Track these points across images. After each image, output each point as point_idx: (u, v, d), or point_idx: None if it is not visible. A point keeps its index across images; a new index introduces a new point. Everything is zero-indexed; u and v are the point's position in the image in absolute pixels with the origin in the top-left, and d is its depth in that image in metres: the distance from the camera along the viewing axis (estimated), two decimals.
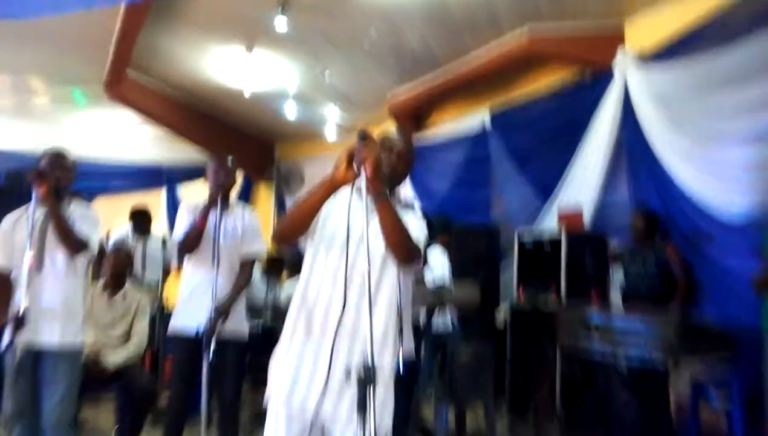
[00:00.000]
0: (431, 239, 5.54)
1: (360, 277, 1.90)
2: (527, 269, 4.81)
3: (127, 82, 7.37)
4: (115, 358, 3.73)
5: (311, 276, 1.99)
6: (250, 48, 6.38)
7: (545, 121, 5.81)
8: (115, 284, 3.93)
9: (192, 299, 3.11)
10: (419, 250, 1.97)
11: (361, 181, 1.81)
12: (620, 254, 4.54)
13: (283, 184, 9.92)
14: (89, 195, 9.31)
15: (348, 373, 1.60)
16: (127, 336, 3.87)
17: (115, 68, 6.74)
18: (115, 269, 3.89)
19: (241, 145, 9.47)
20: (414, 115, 7.56)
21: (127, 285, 3.97)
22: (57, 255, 2.82)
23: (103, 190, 9.56)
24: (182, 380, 3.07)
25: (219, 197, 3.09)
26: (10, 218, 2.90)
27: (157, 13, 5.79)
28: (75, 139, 9.54)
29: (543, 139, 5.83)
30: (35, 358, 2.76)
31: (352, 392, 1.77)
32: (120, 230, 5.26)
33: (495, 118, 6.44)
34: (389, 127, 7.44)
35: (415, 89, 7.00)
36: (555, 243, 4.43)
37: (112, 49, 6.26)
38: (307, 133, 9.18)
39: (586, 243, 4.42)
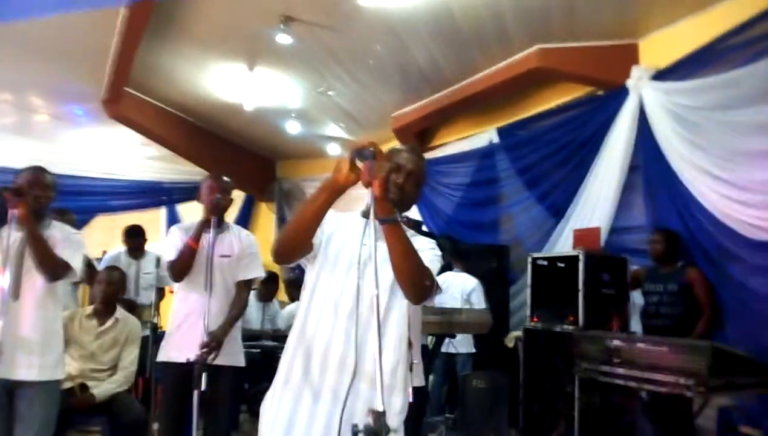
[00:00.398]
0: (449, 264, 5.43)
1: (366, 308, 1.69)
2: (541, 290, 4.57)
3: (125, 100, 7.23)
4: (101, 389, 3.49)
5: (311, 305, 1.78)
6: (251, 66, 6.24)
7: (556, 139, 5.63)
8: (105, 310, 3.71)
9: (183, 326, 2.90)
10: (434, 284, 1.76)
11: (369, 203, 1.62)
12: (640, 275, 4.31)
13: (285, 203, 9.73)
14: (89, 214, 9.30)
15: (355, 432, 1.31)
16: (115, 366, 3.64)
17: (113, 86, 6.60)
18: (105, 293, 3.67)
19: (242, 163, 9.32)
20: (419, 134, 7.40)
21: (118, 312, 3.74)
22: (35, 281, 2.60)
23: (103, 209, 9.43)
24: (171, 414, 2.85)
25: (213, 217, 2.89)
26: None
27: (156, 30, 5.65)
28: (75, 157, 9.45)
29: (554, 157, 5.64)
30: (10, 392, 2.54)
31: None
32: (114, 251, 5.05)
33: (503, 136, 6.26)
34: (396, 145, 7.25)
35: (422, 108, 6.85)
36: (571, 263, 4.19)
37: (109, 66, 6.12)
38: (310, 152, 9.03)
39: (605, 263, 4.18)
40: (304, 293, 1.81)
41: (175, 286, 3.01)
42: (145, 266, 4.95)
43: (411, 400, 2.69)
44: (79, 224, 9.39)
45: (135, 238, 4.92)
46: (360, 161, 1.64)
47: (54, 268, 2.56)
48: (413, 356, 2.71)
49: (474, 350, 5.11)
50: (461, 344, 4.96)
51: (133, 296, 4.55)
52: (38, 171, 2.71)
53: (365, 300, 1.70)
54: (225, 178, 3.15)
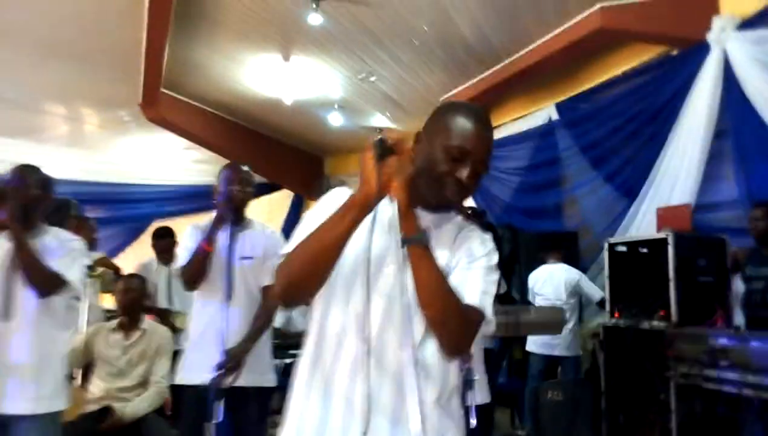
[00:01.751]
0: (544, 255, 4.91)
1: (396, 328, 1.25)
2: (621, 280, 3.96)
3: (163, 101, 7.00)
4: (132, 408, 3.15)
5: (325, 329, 1.33)
6: (287, 55, 5.88)
7: (624, 110, 5.02)
8: (130, 322, 3.37)
9: (201, 342, 2.49)
10: (478, 326, 1.28)
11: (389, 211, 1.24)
12: (740, 258, 3.66)
13: None
14: (145, 221, 9.22)
15: None
16: (145, 382, 3.30)
17: (148, 87, 6.36)
18: (123, 303, 3.34)
19: (288, 161, 9.02)
20: None
21: (145, 322, 3.40)
22: (28, 298, 2.25)
23: (158, 215, 9.31)
24: None
25: (229, 214, 2.48)
26: None
27: (184, 24, 5.38)
28: (123, 166, 9.40)
29: (623, 130, 5.04)
30: (3, 426, 2.19)
31: None
32: (145, 260, 4.74)
33: (563, 112, 5.67)
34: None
35: (472, 88, 6.31)
36: (657, 248, 3.58)
37: (142, 66, 5.87)
38: (357, 146, 8.60)
39: (699, 246, 3.54)
40: (313, 321, 1.36)
41: (194, 295, 2.61)
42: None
43: (474, 422, 2.23)
44: (136, 231, 9.46)
45: (162, 239, 4.56)
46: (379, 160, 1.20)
47: (44, 282, 2.21)
48: (473, 372, 2.25)
49: (580, 352, 4.60)
50: (563, 346, 4.49)
51: (166, 303, 4.22)
52: (22, 170, 2.35)
53: (395, 320, 1.26)
54: (244, 168, 2.74)
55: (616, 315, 3.81)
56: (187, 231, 2.63)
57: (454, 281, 1.28)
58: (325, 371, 1.29)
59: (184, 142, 8.31)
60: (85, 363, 3.39)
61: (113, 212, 10.10)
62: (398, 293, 1.23)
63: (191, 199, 9.29)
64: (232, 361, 2.30)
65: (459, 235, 1.37)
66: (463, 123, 1.32)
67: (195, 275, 2.48)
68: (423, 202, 1.34)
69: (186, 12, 5.22)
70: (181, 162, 9.51)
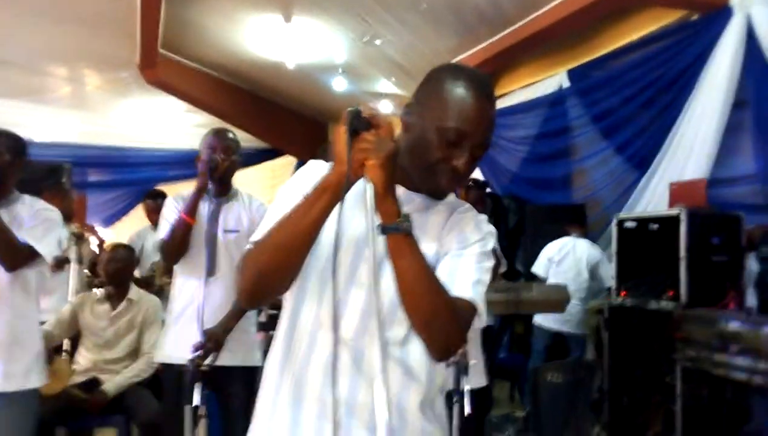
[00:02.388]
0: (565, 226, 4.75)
1: (375, 324, 1.08)
2: (629, 257, 3.78)
3: (162, 64, 6.80)
4: (117, 381, 3.06)
5: (296, 324, 1.18)
6: (288, 16, 5.65)
7: (638, 78, 4.78)
8: (117, 292, 3.26)
9: (182, 320, 2.36)
10: (469, 321, 1.14)
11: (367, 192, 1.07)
12: (755, 236, 3.48)
13: None
14: (148, 184, 9.06)
15: None
16: (134, 353, 3.20)
17: (146, 48, 6.16)
18: (109, 273, 3.22)
19: (290, 126, 8.82)
20: None
21: (132, 292, 3.29)
22: None
23: (161, 179, 9.17)
24: (173, 422, 2.31)
25: (212, 182, 2.32)
26: None
27: None
28: (125, 129, 9.25)
29: (636, 100, 4.81)
30: None
31: None
32: (139, 228, 4.59)
33: (575, 79, 5.44)
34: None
35: (481, 53, 6.07)
36: (668, 225, 3.40)
37: (138, 26, 5.67)
38: None
39: (714, 224, 3.35)
40: (285, 311, 1.21)
41: (175, 269, 2.47)
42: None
43: (468, 410, 2.12)
44: (136, 196, 9.32)
45: (154, 200, 4.38)
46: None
47: (11, 255, 2.07)
48: (469, 355, 2.12)
49: (587, 331, 4.47)
50: (573, 323, 4.36)
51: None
52: None
53: (372, 314, 1.10)
54: (230, 135, 2.56)
55: (623, 294, 3.65)
56: (168, 201, 2.48)
57: (444, 269, 1.14)
58: (295, 371, 1.15)
59: (184, 105, 8.13)
60: (72, 334, 3.29)
61: (113, 176, 9.97)
62: (378, 285, 1.08)
63: (193, 164, 9.15)
64: (211, 341, 2.17)
65: (451, 217, 1.21)
66: (462, 99, 1.13)
67: (175, 248, 2.34)
68: (408, 182, 1.19)
69: None
70: (182, 126, 9.32)
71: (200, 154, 2.46)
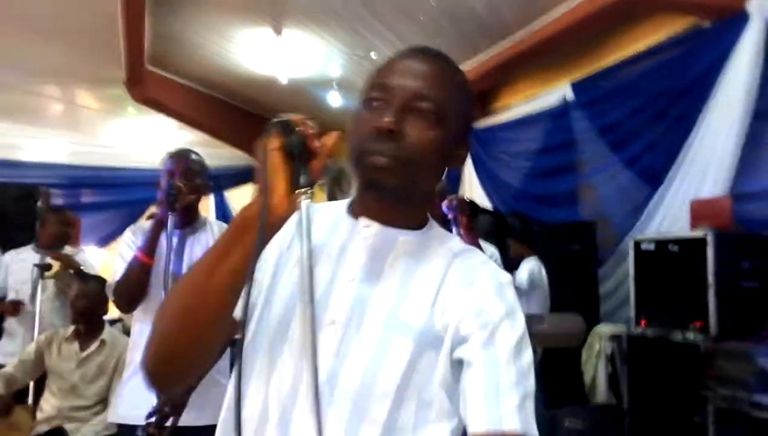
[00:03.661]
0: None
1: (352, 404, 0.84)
2: (649, 282, 3.49)
3: (150, 80, 6.57)
4: (84, 432, 2.76)
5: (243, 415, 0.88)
6: (278, 29, 5.42)
7: (647, 88, 4.56)
8: (86, 331, 2.97)
9: (140, 374, 2.06)
10: None
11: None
12: None
13: (336, 187, 8.95)
14: (142, 205, 8.86)
15: None
16: (103, 401, 2.91)
17: (131, 65, 5.94)
18: (77, 310, 2.94)
19: None
20: (478, 97, 6.39)
21: (106, 332, 3.00)
22: None
23: (152, 201, 8.93)
24: None
25: (173, 212, 2.04)
26: None
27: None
28: (115, 148, 9.00)
29: (646, 111, 4.58)
30: None
31: None
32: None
33: (580, 91, 5.19)
34: None
35: (480, 66, 5.85)
36: (691, 246, 3.11)
37: (122, 41, 5.44)
38: None
39: (743, 246, 3.07)
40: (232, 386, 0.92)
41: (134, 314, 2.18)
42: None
43: None
44: (129, 217, 9.08)
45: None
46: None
47: None
48: None
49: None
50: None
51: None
52: None
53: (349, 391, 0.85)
54: (192, 156, 2.27)
55: (643, 324, 3.35)
56: (125, 235, 2.18)
57: (472, 383, 0.84)
58: None
59: (176, 123, 7.90)
60: (37, 376, 3.01)
61: (106, 197, 9.76)
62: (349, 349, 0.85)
63: None
64: (168, 405, 1.86)
65: (451, 266, 0.93)
66: (389, 60, 0.95)
67: (131, 292, 2.04)
68: (380, 212, 0.93)
69: None
70: (175, 144, 9.08)
71: (158, 182, 2.18)
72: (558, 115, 5.41)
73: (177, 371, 0.87)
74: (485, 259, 0.97)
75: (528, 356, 0.88)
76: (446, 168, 0.97)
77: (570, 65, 5.41)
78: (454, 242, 0.99)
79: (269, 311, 0.89)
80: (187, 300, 0.81)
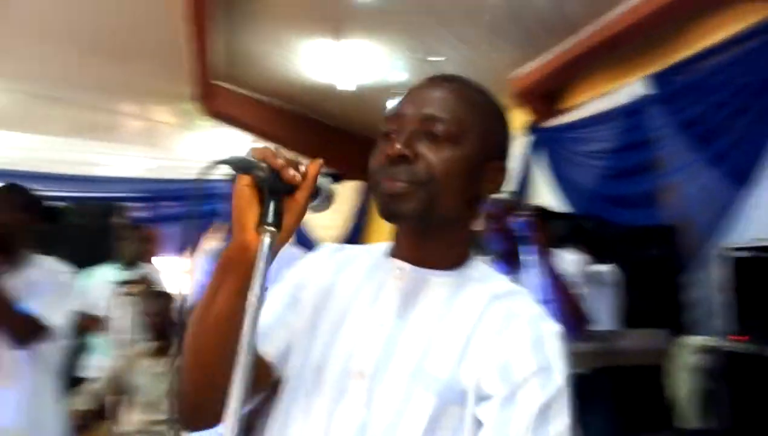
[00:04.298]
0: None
1: None
2: (746, 292, 3.21)
3: (219, 95, 6.75)
4: None
5: None
6: (337, 36, 5.43)
7: (732, 79, 4.24)
8: (165, 346, 3.03)
9: None
10: None
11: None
12: None
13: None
14: (219, 217, 9.15)
15: None
16: None
17: (199, 80, 6.10)
18: (153, 327, 3.00)
19: (350, 150, 8.58)
20: (545, 97, 6.18)
21: None
22: (5, 348, 1.87)
23: (224, 212, 9.19)
24: None
25: None
26: None
27: (229, 13, 5.02)
28: (191, 162, 9.31)
29: (730, 104, 4.26)
30: None
31: None
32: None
33: (657, 84, 4.91)
34: (515, 117, 6.16)
35: (547, 64, 5.67)
36: None
37: (189, 58, 5.59)
38: None
39: None
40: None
41: None
42: None
43: None
44: (201, 229, 9.39)
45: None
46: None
47: (16, 329, 1.83)
48: None
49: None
50: None
51: None
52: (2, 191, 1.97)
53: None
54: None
55: (743, 338, 3.05)
56: (199, 259, 2.18)
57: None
58: None
59: (245, 134, 8.09)
60: (120, 392, 3.08)
61: (182, 209, 10.13)
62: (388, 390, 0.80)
63: None
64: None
65: (488, 310, 0.83)
66: (404, 95, 0.92)
67: None
68: (409, 249, 0.88)
69: (232, 1, 4.89)
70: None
71: None
72: (633, 111, 5.14)
73: (202, 413, 0.83)
74: (530, 303, 0.86)
75: (560, 426, 0.76)
76: (478, 195, 0.89)
77: (643, 59, 5.13)
78: (498, 282, 0.89)
79: (304, 356, 0.85)
80: (192, 342, 0.81)
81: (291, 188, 0.79)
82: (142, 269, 3.87)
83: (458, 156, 0.83)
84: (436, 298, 0.84)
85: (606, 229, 4.93)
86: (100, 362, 3.35)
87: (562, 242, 2.91)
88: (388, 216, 0.85)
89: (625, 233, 4.72)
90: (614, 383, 2.51)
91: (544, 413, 0.74)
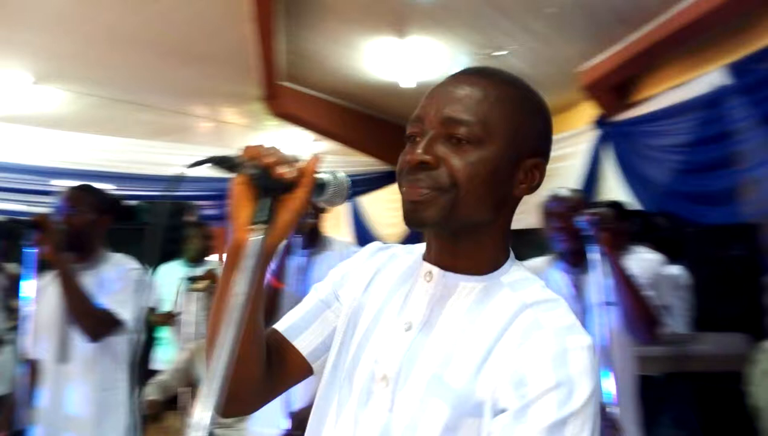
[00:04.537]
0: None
1: None
2: None
3: (286, 95, 6.88)
4: None
5: None
6: (401, 33, 5.42)
7: None
8: None
9: None
10: None
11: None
12: None
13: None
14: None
15: None
16: None
17: (266, 81, 6.25)
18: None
19: None
20: (617, 89, 5.97)
21: None
22: (80, 341, 1.97)
23: None
24: None
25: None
26: (41, 282, 2.11)
27: (294, 15, 5.12)
28: None
29: None
30: None
31: None
32: None
33: (737, 75, 4.65)
34: (583, 110, 5.98)
35: (618, 55, 5.48)
36: None
37: (258, 59, 5.73)
38: None
39: None
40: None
41: None
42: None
43: None
44: None
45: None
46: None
47: (90, 323, 1.92)
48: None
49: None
50: None
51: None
52: (72, 193, 2.07)
53: None
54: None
55: None
56: None
57: None
58: None
59: (311, 134, 8.22)
60: (188, 383, 3.19)
61: None
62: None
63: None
64: (300, 429, 1.86)
65: (518, 319, 0.78)
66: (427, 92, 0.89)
67: (266, 317, 2.07)
68: (438, 253, 0.85)
69: (296, 2, 4.98)
70: (311, 154, 9.46)
71: None
72: (711, 102, 4.88)
73: (232, 400, 0.82)
74: (562, 313, 0.79)
75: None
76: (510, 196, 0.85)
77: (720, 48, 4.88)
78: (532, 289, 0.83)
79: (338, 356, 0.87)
80: (209, 334, 0.89)
81: (286, 186, 0.80)
82: (208, 265, 4.01)
83: (483, 158, 0.79)
84: (463, 305, 0.82)
85: (681, 227, 4.72)
86: (169, 355, 3.48)
87: (634, 241, 2.80)
88: (410, 223, 0.83)
89: (703, 232, 4.50)
90: (690, 389, 2.38)
91: (556, 428, 0.69)
